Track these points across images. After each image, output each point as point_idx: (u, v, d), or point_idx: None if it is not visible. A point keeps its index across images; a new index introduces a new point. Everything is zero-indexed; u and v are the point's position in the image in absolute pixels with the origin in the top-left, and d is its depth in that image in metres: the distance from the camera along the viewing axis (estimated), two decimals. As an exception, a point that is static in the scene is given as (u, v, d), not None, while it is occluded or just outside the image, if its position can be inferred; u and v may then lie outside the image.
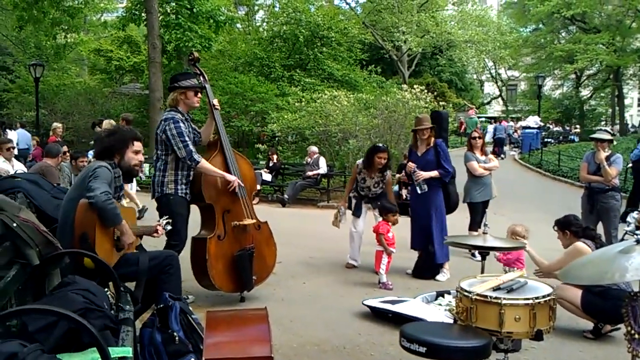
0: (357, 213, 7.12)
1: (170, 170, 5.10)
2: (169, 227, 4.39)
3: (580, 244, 4.91)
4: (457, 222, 7.37)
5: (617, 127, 33.93)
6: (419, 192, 6.60)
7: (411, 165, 6.64)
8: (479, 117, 29.24)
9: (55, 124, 12.94)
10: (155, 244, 5.01)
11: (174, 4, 18.70)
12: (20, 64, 26.36)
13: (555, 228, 5.29)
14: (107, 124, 10.74)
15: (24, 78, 24.02)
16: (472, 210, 7.94)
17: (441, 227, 6.60)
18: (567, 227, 5.16)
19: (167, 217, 4.46)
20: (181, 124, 5.02)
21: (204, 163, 5.05)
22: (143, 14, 18.00)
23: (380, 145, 7.31)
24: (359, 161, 7.26)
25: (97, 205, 3.58)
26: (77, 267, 3.49)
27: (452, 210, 6.98)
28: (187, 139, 5.00)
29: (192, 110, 5.37)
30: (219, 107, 5.42)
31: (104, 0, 30.10)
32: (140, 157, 4.31)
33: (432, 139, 6.70)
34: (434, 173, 6.55)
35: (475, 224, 7.82)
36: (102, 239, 3.67)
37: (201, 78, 5.40)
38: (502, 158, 22.14)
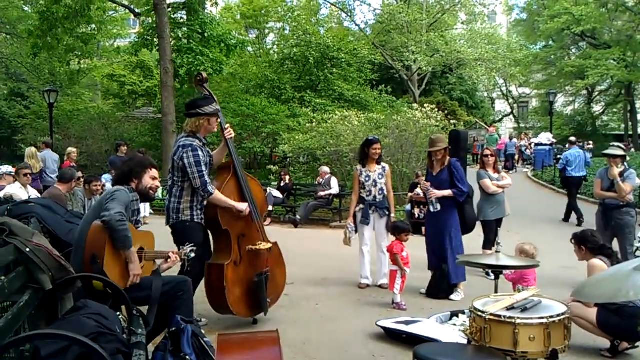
0: (365, 221, 7.04)
1: (187, 197, 5.06)
2: (192, 255, 4.38)
3: (594, 261, 4.88)
4: (470, 241, 7.33)
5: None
6: (432, 210, 6.63)
7: (426, 183, 6.65)
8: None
9: (69, 149, 13.10)
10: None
11: (185, 28, 18.92)
12: (35, 90, 26.77)
13: (572, 242, 5.24)
14: (29, 151, 11.50)
15: (39, 104, 24.35)
16: (486, 229, 7.89)
17: (456, 247, 6.55)
18: (583, 242, 5.13)
19: (192, 244, 4.45)
20: (199, 152, 4.99)
21: (217, 195, 5.01)
22: (155, 39, 18.23)
23: (372, 137, 7.44)
24: (357, 166, 7.28)
25: (109, 225, 3.61)
26: (89, 291, 3.50)
27: (470, 230, 6.94)
28: (203, 168, 4.96)
29: (209, 134, 5.36)
30: (232, 135, 5.37)
31: (117, 26, 30.61)
32: (157, 183, 4.39)
33: (447, 158, 6.72)
34: (447, 192, 6.55)
35: (489, 242, 7.76)
36: (113, 260, 3.68)
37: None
38: (514, 171, 22.49)
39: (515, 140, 29.16)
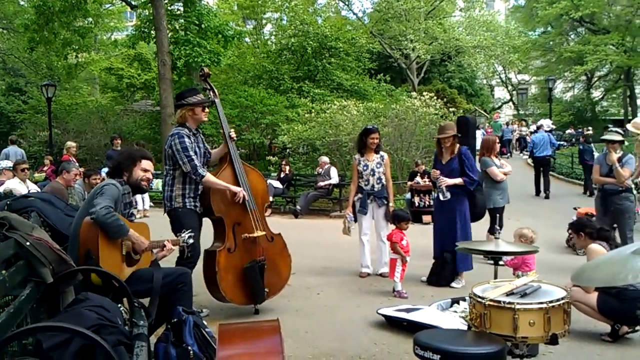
0: (362, 210, 7.06)
1: (178, 185, 5.19)
2: (191, 241, 4.45)
3: (593, 246, 4.89)
4: (477, 229, 7.30)
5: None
6: (441, 198, 6.57)
7: (436, 172, 6.59)
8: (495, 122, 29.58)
9: (68, 143, 13.12)
10: (169, 258, 5.03)
11: (182, 20, 18.86)
12: (33, 84, 26.68)
13: (570, 231, 5.26)
14: None
15: (37, 98, 24.28)
16: (496, 215, 7.79)
17: (465, 235, 6.51)
18: (581, 229, 5.14)
19: (190, 230, 4.50)
20: (186, 139, 5.11)
21: (209, 177, 5.12)
22: (152, 32, 18.17)
23: (370, 126, 7.46)
24: (356, 155, 7.29)
25: (97, 221, 3.64)
26: (88, 284, 3.52)
27: (479, 218, 6.91)
28: (191, 153, 5.09)
29: (201, 124, 5.46)
30: (234, 137, 5.48)
31: (114, 19, 30.50)
32: (149, 175, 4.41)
33: (456, 146, 6.67)
34: (458, 180, 6.50)
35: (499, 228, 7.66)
36: (108, 255, 3.70)
37: (211, 93, 5.53)
38: (509, 157, 24.41)
39: (512, 126, 29.34)
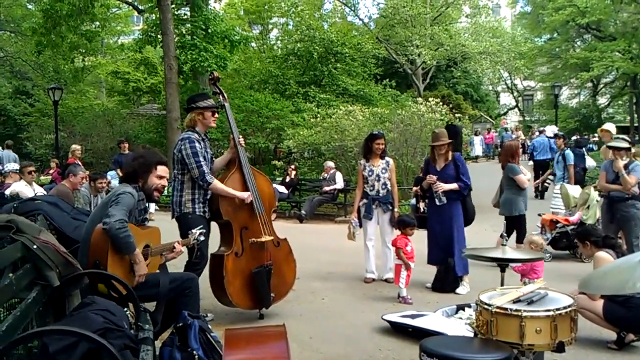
0: (368, 216, 7.07)
1: (187, 190, 5.17)
2: (202, 238, 4.46)
3: (600, 254, 4.87)
4: (477, 234, 7.28)
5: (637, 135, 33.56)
6: (437, 203, 6.61)
7: (432, 177, 6.62)
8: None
9: (73, 146, 13.15)
10: (177, 263, 5.03)
11: (189, 25, 18.95)
12: (40, 88, 26.81)
13: (576, 241, 5.24)
14: None
15: (43, 102, 24.40)
16: (519, 223, 7.69)
17: (461, 239, 6.56)
18: (586, 237, 5.12)
19: (200, 227, 4.49)
20: (196, 144, 5.10)
21: (216, 184, 5.10)
22: (159, 36, 18.26)
23: (376, 132, 7.44)
24: (361, 161, 7.30)
25: (110, 233, 3.63)
26: (95, 291, 3.52)
27: (469, 223, 6.92)
28: (201, 159, 5.07)
29: (209, 130, 5.47)
30: (243, 144, 5.49)
31: (121, 23, 30.66)
32: (164, 182, 4.38)
33: (450, 153, 6.70)
34: (454, 186, 6.53)
35: (522, 236, 7.62)
36: (116, 263, 3.70)
37: (220, 97, 5.54)
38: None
39: (516, 132, 29.35)
